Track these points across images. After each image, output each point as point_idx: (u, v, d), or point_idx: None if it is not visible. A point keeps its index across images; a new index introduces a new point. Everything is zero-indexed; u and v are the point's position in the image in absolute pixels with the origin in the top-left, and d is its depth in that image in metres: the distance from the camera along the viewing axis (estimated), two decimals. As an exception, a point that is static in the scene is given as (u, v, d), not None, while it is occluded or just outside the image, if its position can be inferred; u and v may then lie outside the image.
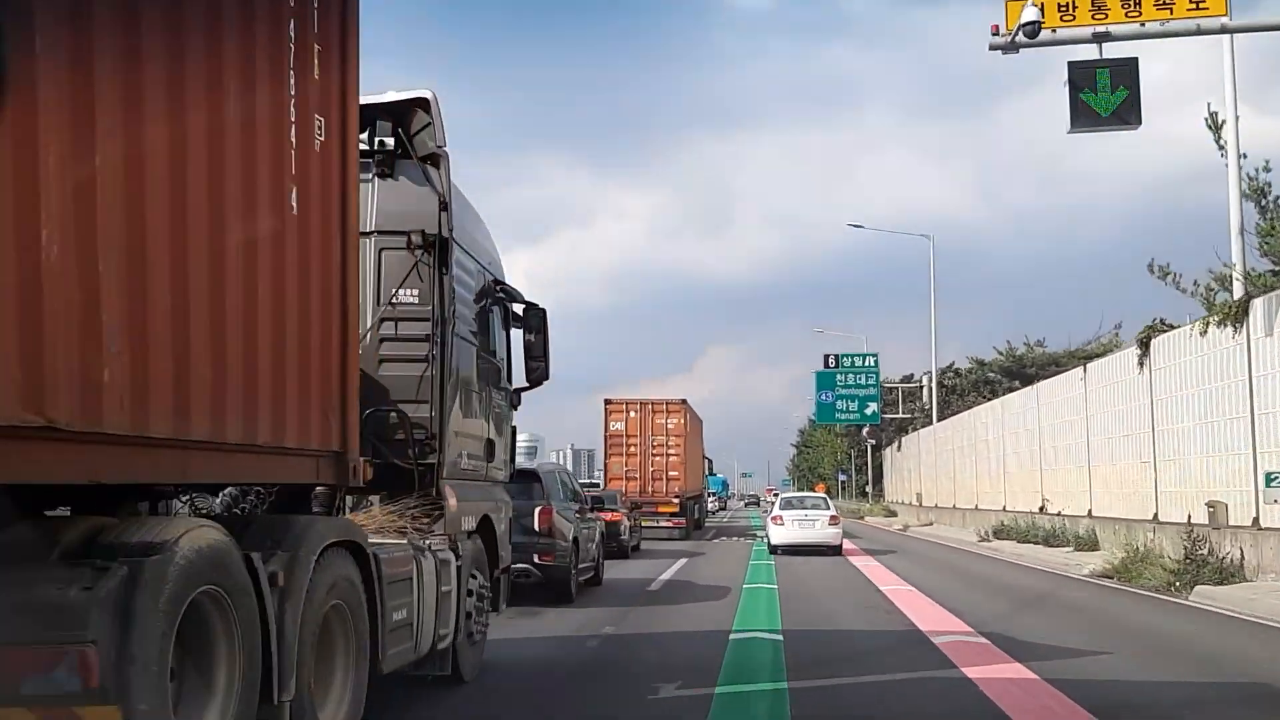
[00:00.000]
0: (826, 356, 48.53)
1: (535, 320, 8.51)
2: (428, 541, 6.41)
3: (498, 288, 8.11)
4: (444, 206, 6.74)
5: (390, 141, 6.77)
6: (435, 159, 6.77)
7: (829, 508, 26.18)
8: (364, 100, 5.64)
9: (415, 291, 6.67)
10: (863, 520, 51.96)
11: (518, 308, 8.55)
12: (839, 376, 47.57)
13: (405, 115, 6.74)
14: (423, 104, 6.73)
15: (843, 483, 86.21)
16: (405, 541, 6.18)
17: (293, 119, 4.49)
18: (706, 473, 49.54)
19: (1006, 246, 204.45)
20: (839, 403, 47.67)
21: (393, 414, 6.46)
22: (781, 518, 25.29)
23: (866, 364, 48.23)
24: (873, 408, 48.34)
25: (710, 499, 56.02)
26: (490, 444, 7.92)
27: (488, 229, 8.15)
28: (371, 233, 6.57)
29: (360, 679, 5.26)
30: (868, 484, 77.83)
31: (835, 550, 23.71)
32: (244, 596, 4.02)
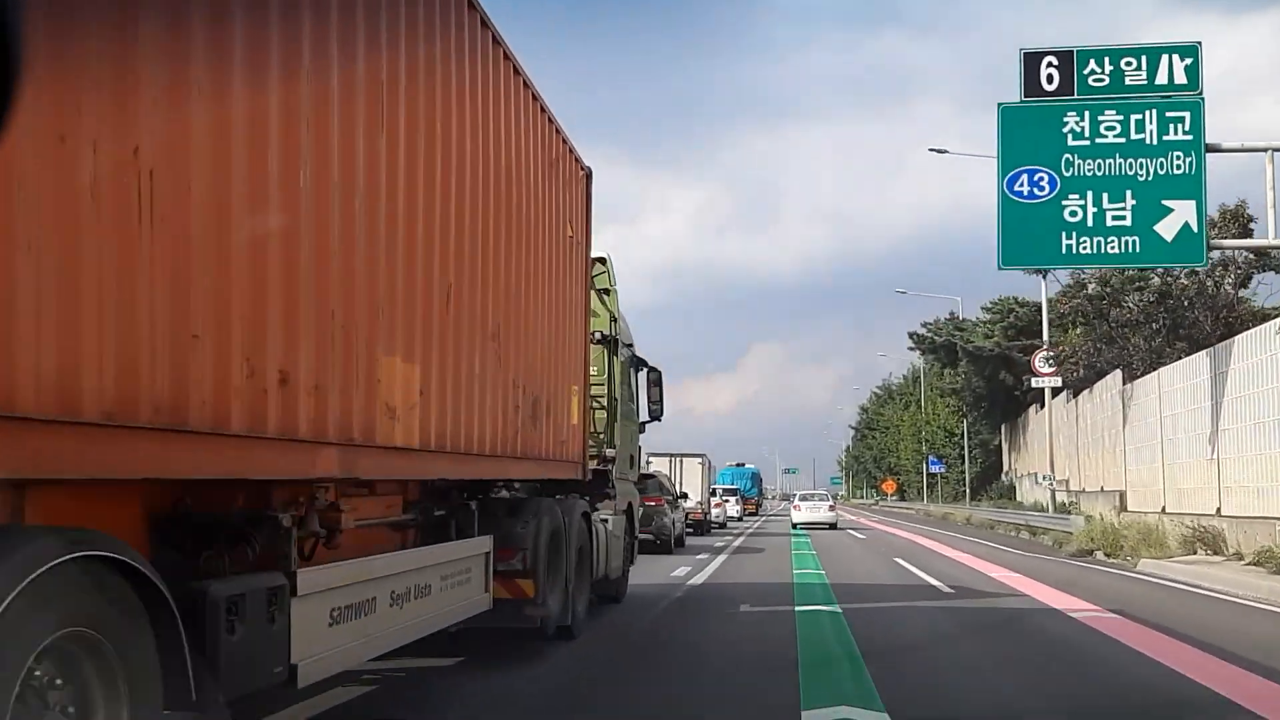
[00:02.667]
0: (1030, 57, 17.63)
1: (654, 376, 13.73)
2: (609, 514, 11.66)
3: (635, 358, 13.26)
4: (614, 319, 11.60)
5: None
6: (608, 293, 11.41)
7: (829, 499, 45.38)
8: None
9: (597, 369, 11.10)
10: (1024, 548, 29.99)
11: (645, 368, 13.74)
12: (1076, 121, 17.31)
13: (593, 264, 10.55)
14: (602, 260, 11.23)
15: (940, 475, 64.51)
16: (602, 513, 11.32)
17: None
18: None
19: None
20: (1070, 199, 17.05)
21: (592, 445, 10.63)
22: (800, 506, 42.65)
23: (1165, 94, 17.30)
24: (1184, 215, 16.99)
25: (725, 502, 42.32)
26: (631, 458, 13.51)
27: (628, 323, 12.78)
28: None
29: (588, 583, 10.28)
30: (985, 475, 56.15)
31: (832, 526, 39.77)
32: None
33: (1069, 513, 31.18)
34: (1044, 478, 31.91)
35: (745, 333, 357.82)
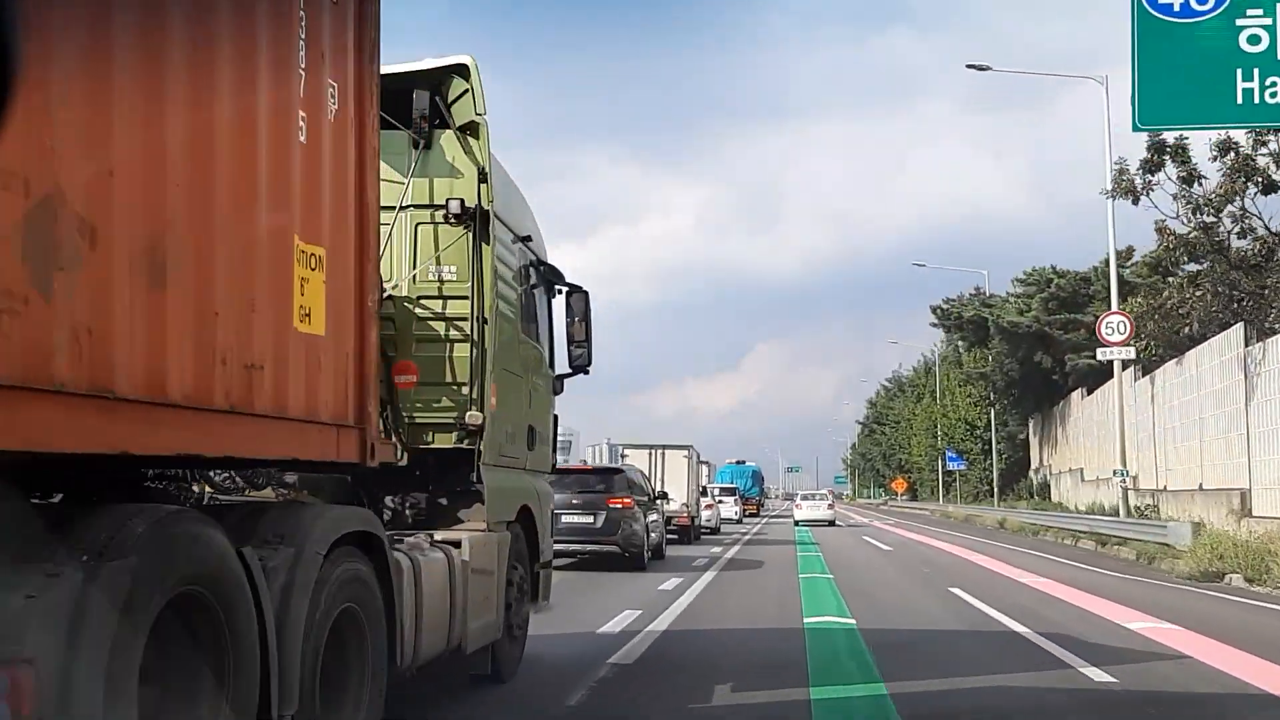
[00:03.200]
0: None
1: (579, 304, 7.94)
2: (461, 533, 6.10)
3: (540, 267, 7.65)
4: (483, 177, 6.32)
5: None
6: (474, 128, 6.35)
7: (828, 499, 47.76)
8: (400, 68, 5.92)
9: (454, 268, 6.34)
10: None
11: (562, 288, 8.07)
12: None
13: (442, 83, 6.33)
14: (461, 70, 6.33)
15: (960, 473, 58.00)
16: (426, 534, 5.86)
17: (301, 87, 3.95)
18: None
19: (1059, 241, 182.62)
20: (1251, 17, 10.36)
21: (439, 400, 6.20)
22: (801, 505, 44.77)
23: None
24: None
25: (720, 503, 37.51)
26: (532, 431, 7.44)
27: (530, 206, 7.67)
28: (407, 207, 6.24)
29: (379, 686, 4.64)
30: (1003, 474, 49.73)
31: (831, 522, 41.60)
32: (236, 599, 3.36)
33: (1148, 517, 24.72)
34: (1116, 473, 25.43)
35: (749, 331, 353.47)
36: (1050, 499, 44.30)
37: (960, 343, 49.54)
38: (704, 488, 32.95)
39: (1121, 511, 25.33)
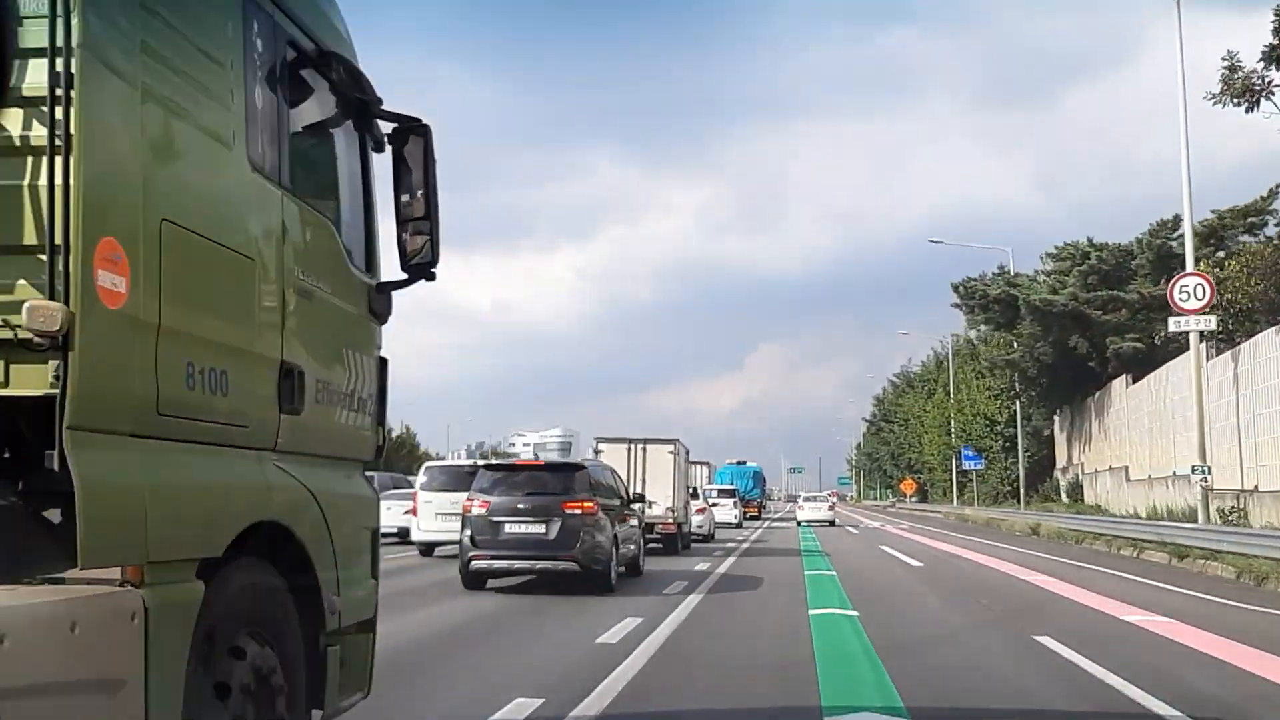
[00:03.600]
0: None
1: (415, 155, 4.39)
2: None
3: (341, 82, 4.17)
4: None
5: None
6: None
7: (829, 500, 52.30)
8: None
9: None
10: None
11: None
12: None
13: None
14: None
15: (977, 472, 53.39)
16: None
17: None
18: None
19: (1067, 235, 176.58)
20: None
21: None
22: (804, 506, 46.67)
23: None
24: None
25: (714, 505, 33.91)
26: (291, 377, 3.77)
27: None
28: None
29: None
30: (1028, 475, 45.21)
31: (831, 523, 42.21)
32: None
33: (1234, 522, 20.11)
34: (1194, 470, 20.78)
35: (752, 331, 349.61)
36: (1083, 501, 39.66)
37: (983, 326, 44.60)
38: (694, 489, 28.38)
39: (1201, 517, 20.70)
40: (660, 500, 22.90)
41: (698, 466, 64.26)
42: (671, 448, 23.85)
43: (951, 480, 62.05)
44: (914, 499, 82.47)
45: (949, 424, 61.84)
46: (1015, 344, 40.21)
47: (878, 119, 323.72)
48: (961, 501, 61.22)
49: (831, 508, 48.14)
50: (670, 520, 22.85)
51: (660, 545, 21.79)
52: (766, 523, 51.68)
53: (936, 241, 49.40)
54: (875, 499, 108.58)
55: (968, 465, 55.71)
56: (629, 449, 23.58)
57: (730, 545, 27.52)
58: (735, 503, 38.85)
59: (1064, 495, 42.70)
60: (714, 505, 34.21)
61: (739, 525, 37.67)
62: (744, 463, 53.58)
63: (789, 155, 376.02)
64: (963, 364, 63.70)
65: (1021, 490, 41.70)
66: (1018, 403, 41.85)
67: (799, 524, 41.53)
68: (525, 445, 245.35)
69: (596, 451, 23.81)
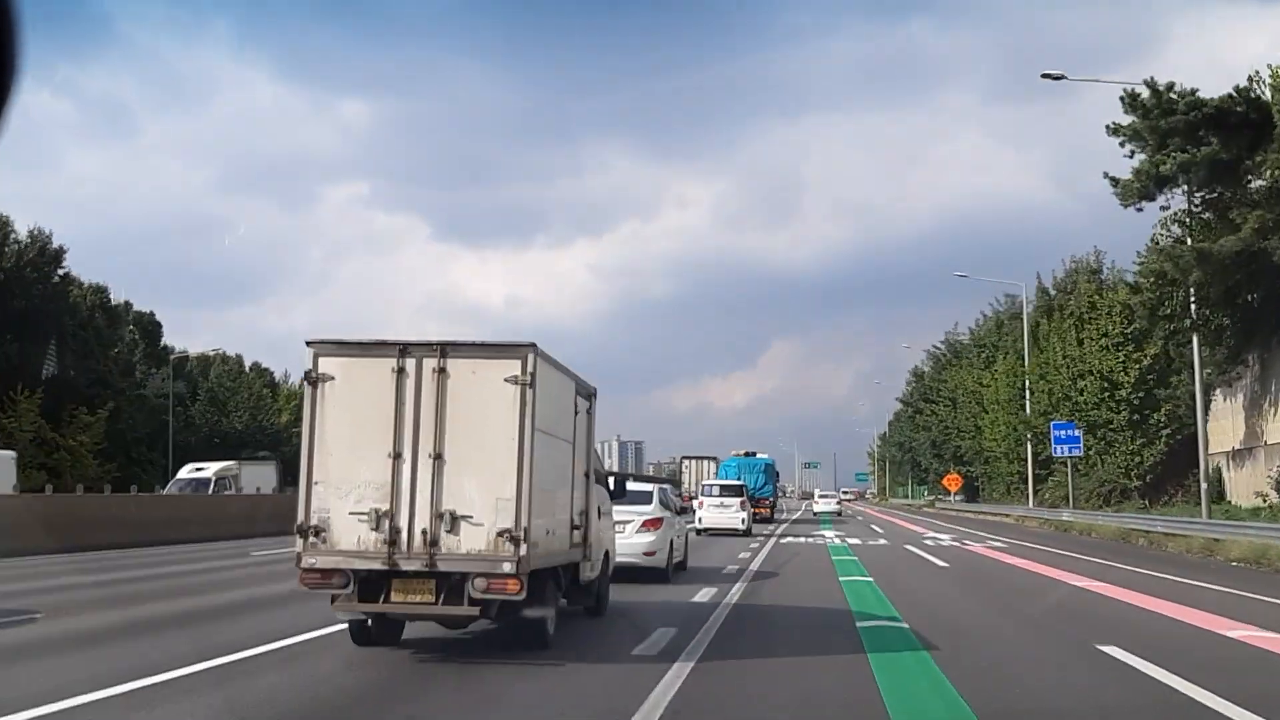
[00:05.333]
0: None
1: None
2: None
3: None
4: None
5: None
6: None
7: (837, 494, 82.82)
8: None
9: None
10: None
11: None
12: None
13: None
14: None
15: (1074, 461, 37.85)
16: None
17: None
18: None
19: (1087, 232, 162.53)
20: None
21: None
22: (818, 501, 68.75)
23: None
24: None
25: (726, 506, 29.51)
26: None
27: None
28: None
29: None
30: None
31: (838, 514, 54.65)
32: None
33: None
34: None
35: (766, 327, 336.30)
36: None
37: (1175, 156, 25.96)
38: (620, 479, 12.94)
39: None
40: (481, 511, 7.54)
41: (704, 462, 48.57)
42: (516, 367, 8.25)
43: (1027, 471, 46.26)
44: (958, 497, 66.85)
45: (1023, 396, 46.16)
46: (1226, 219, 23.69)
47: (895, 112, 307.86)
48: (1040, 501, 45.49)
49: (839, 502, 69.77)
50: (509, 565, 7.49)
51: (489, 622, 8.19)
52: (781, 524, 39.40)
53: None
54: (907, 496, 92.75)
55: (1060, 451, 39.84)
56: (395, 364, 8.09)
57: (715, 587, 14.15)
58: (742, 502, 30.55)
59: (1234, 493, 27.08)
60: (718, 506, 29.61)
61: (746, 532, 29.12)
62: (753, 454, 43.85)
63: (805, 149, 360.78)
64: (1038, 319, 48.07)
65: (1203, 482, 25.72)
66: (1194, 338, 25.56)
67: (815, 515, 49.97)
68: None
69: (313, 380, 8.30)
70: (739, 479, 35.79)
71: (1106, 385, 35.38)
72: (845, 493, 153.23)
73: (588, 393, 9.86)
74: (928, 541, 27.52)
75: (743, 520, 29.72)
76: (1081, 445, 38.97)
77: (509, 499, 7.59)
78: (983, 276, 68.05)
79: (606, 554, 10.88)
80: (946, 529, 36.68)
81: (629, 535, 13.78)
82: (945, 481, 64.12)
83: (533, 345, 7.92)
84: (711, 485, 32.88)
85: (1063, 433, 39.87)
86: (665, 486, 19.41)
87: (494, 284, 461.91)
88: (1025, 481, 48.26)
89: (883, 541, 27.05)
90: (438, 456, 7.71)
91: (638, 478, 66.13)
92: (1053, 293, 52.21)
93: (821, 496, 72.38)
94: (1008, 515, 48.10)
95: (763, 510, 39.22)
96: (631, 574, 13.46)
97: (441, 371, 7.87)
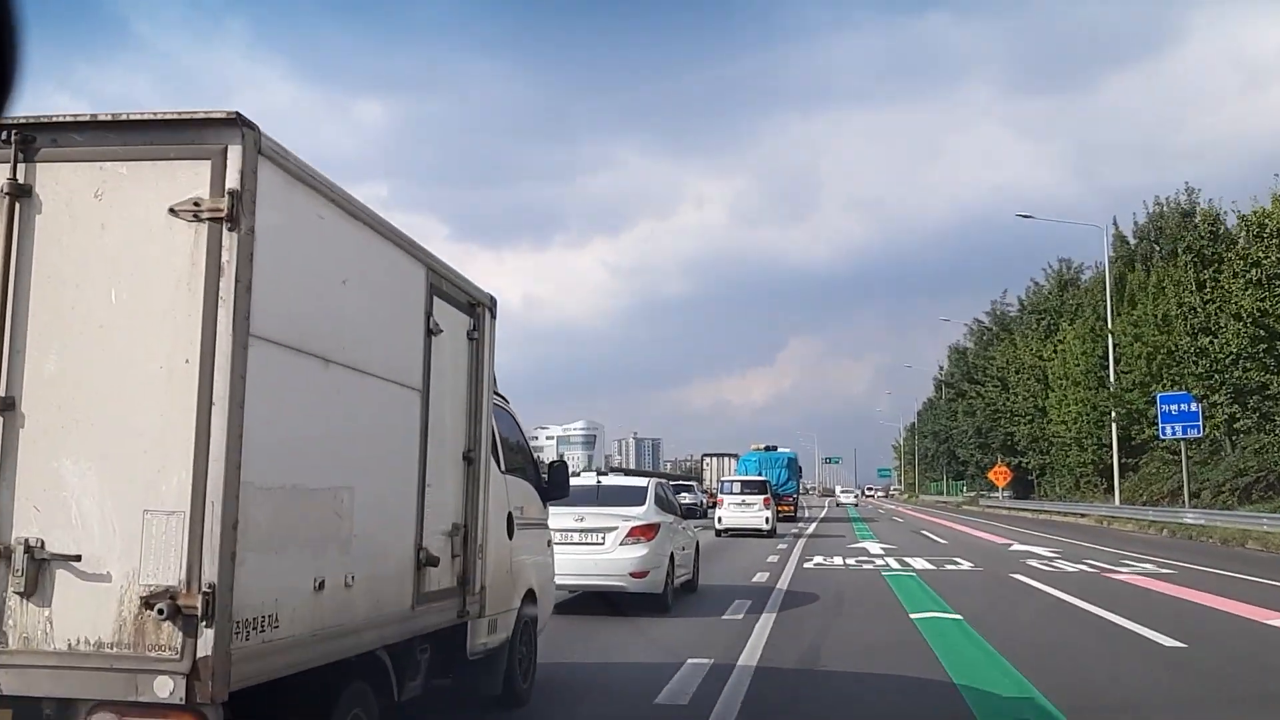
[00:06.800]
0: None
1: None
2: None
3: None
4: None
5: None
6: None
7: (854, 489, 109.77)
8: None
9: None
10: None
11: None
12: None
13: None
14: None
15: (1186, 445, 28.68)
16: None
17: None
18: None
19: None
20: None
21: None
22: (839, 497, 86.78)
23: None
24: None
25: (749, 504, 27.79)
26: None
27: None
28: None
29: None
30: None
31: (855, 504, 75.10)
32: None
33: None
34: None
35: (783, 325, 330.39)
36: None
37: None
38: (557, 467, 7.23)
39: None
40: (104, 540, 3.19)
41: (726, 459, 45.78)
42: (200, 177, 3.25)
43: (1110, 460, 36.91)
44: (1006, 493, 57.58)
45: (1105, 366, 36.87)
46: None
47: (911, 106, 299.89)
48: (1131, 498, 36.18)
49: (856, 497, 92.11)
50: (167, 684, 3.11)
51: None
52: (808, 526, 34.37)
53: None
54: (940, 492, 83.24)
55: (1169, 431, 30.62)
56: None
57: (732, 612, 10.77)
58: (766, 500, 28.01)
59: None
60: (739, 504, 27.46)
61: (770, 533, 26.96)
62: (774, 448, 40.98)
63: (821, 145, 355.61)
64: (1123, 270, 38.89)
65: None
66: None
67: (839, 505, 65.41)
68: (549, 439, 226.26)
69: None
70: (760, 474, 33.71)
71: (1262, 335, 25.74)
72: (870, 489, 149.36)
73: (467, 299, 5.29)
74: (1033, 563, 18.17)
75: (766, 520, 27.18)
76: (1201, 423, 29.54)
77: (171, 509, 3.14)
78: (1050, 217, 58.88)
79: (530, 593, 6.51)
80: (1025, 535, 27.29)
81: (609, 549, 10.88)
82: (992, 474, 54.80)
83: (241, 119, 3.23)
84: (731, 482, 30.13)
85: (1174, 407, 30.48)
86: (663, 481, 15.32)
87: (512, 283, 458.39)
88: (1105, 473, 38.88)
89: (965, 565, 17.73)
90: (4, 406, 3.27)
91: (639, 472, 59.55)
92: (1133, 242, 42.84)
93: (843, 492, 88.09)
94: (1083, 516, 38.74)
95: (785, 508, 36.26)
96: (610, 601, 10.74)
97: (19, 193, 3.33)
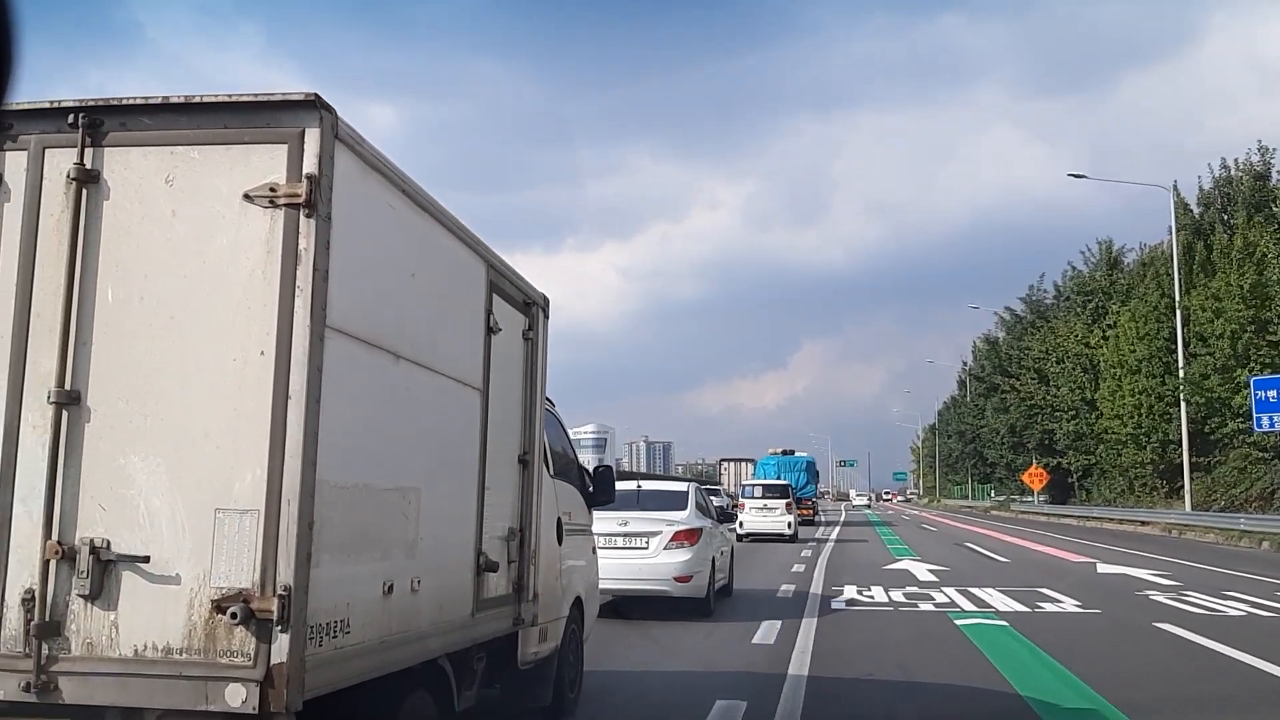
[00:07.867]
0: None
1: None
2: None
3: None
4: None
5: None
6: None
7: (868, 492, 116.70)
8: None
9: None
10: None
11: None
12: None
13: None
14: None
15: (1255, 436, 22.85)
16: None
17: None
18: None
19: (1118, 226, 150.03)
20: None
21: None
22: (854, 500, 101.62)
23: None
24: None
25: (771, 509, 27.56)
26: None
27: None
28: None
29: None
30: None
31: (868, 506, 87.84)
32: None
33: None
34: None
35: (796, 328, 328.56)
36: None
37: None
38: (604, 472, 7.37)
39: None
40: (174, 541, 3.31)
41: (744, 464, 62.34)
42: (277, 162, 3.33)
43: (1182, 459, 31.77)
44: (1042, 498, 52.43)
45: (1170, 351, 31.85)
46: None
47: (925, 109, 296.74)
48: (1203, 503, 31.06)
49: (868, 499, 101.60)
50: (240, 690, 3.18)
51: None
52: (828, 524, 36.09)
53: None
54: (966, 495, 77.97)
55: (1265, 423, 25.61)
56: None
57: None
58: (788, 504, 27.32)
59: None
60: (760, 508, 27.11)
61: (792, 538, 26.16)
62: (792, 452, 40.66)
63: (834, 148, 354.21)
64: (1190, 240, 33.89)
65: None
66: None
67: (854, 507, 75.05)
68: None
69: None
70: (780, 477, 33.89)
71: None
72: (887, 494, 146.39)
73: (524, 298, 5.32)
74: (1158, 598, 13.10)
75: (789, 524, 27.08)
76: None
77: (245, 508, 3.15)
78: (1108, 178, 55.06)
79: (578, 601, 6.63)
80: (1099, 550, 22.20)
81: (653, 554, 10.98)
82: (1025, 476, 49.74)
83: (319, 102, 3.23)
84: (753, 486, 30.03)
85: (1272, 393, 25.33)
86: (701, 486, 14.70)
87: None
88: (1166, 474, 33.69)
89: (1069, 605, 12.66)
90: (69, 400, 3.23)
91: (666, 477, 55.81)
92: (1196, 211, 37.72)
93: (857, 496, 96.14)
94: (1144, 524, 33.55)
95: (805, 512, 35.42)
96: (648, 606, 10.74)
97: (86, 179, 3.31)
